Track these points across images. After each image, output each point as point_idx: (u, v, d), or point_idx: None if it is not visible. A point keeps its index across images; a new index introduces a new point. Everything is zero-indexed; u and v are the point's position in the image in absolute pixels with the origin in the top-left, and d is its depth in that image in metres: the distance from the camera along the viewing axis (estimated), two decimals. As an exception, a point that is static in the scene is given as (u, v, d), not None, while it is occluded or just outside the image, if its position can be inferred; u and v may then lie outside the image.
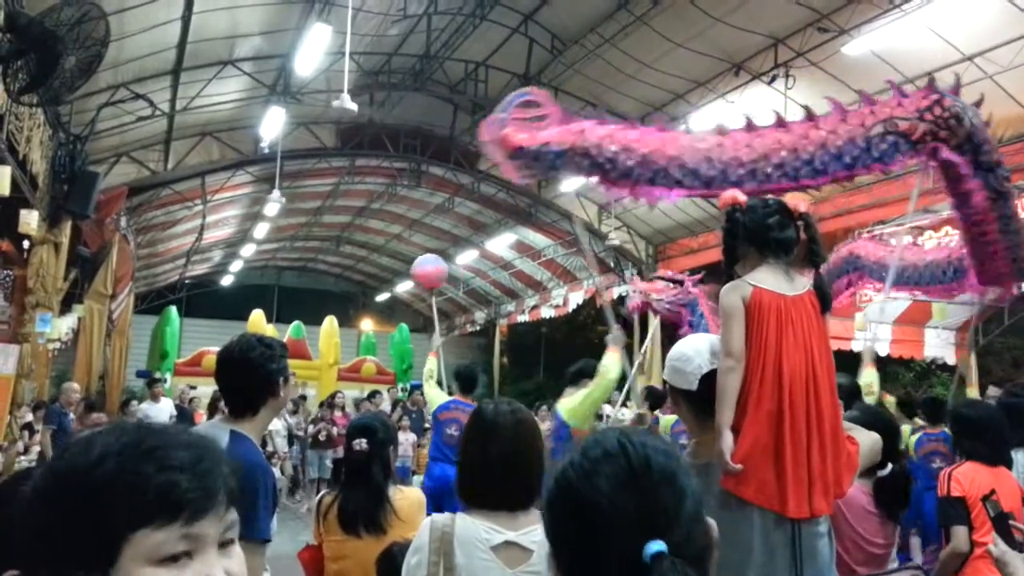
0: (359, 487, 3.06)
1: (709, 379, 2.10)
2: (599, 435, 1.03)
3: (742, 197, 2.37)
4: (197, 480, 0.84)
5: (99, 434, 0.85)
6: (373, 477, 3.07)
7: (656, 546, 0.92)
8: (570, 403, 5.55)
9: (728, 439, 2.02)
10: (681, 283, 7.07)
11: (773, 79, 11.34)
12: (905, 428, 6.39)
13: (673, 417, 8.26)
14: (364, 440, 3.09)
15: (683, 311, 6.90)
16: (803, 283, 2.27)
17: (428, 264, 8.72)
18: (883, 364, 11.66)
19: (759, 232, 2.28)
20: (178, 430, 0.89)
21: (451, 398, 6.81)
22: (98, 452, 0.82)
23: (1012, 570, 2.56)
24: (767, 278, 2.22)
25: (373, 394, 13.57)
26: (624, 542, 0.93)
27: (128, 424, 0.88)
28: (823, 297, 2.27)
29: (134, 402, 11.25)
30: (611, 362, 5.43)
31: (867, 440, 2.38)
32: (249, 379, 2.51)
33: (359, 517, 2.99)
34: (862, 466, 2.32)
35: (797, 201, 2.36)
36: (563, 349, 26.08)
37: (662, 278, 7.38)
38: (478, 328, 27.12)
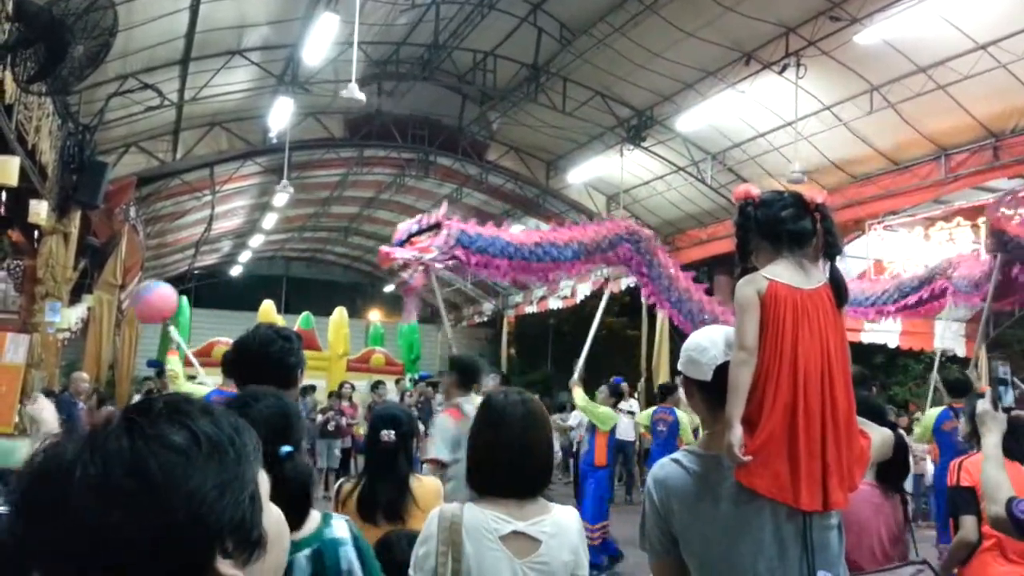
0: (385, 477, 3.08)
1: (724, 370, 2.10)
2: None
3: (755, 191, 2.35)
4: None
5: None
6: (400, 468, 3.10)
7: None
8: None
9: (738, 432, 2.01)
10: (439, 225, 6.11)
11: (784, 68, 11.26)
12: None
13: (648, 413, 8.38)
14: (392, 431, 3.11)
15: (460, 253, 6.17)
16: (819, 276, 2.25)
17: (153, 292, 7.07)
18: (893, 356, 11.62)
19: (772, 225, 2.26)
20: None
21: (214, 388, 6.13)
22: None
23: (986, 430, 2.74)
24: (783, 272, 2.20)
25: (377, 384, 13.61)
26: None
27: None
28: (839, 290, 2.26)
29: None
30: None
31: (878, 435, 2.38)
32: (269, 373, 2.51)
33: (381, 506, 3.01)
34: (873, 460, 2.32)
35: (814, 192, 2.34)
36: (571, 340, 26.07)
37: (415, 234, 6.28)
38: (486, 319, 27.13)
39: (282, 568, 0.90)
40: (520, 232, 6.76)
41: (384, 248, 6.23)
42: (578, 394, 7.20)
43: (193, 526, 0.75)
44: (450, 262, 6.24)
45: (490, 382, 6.80)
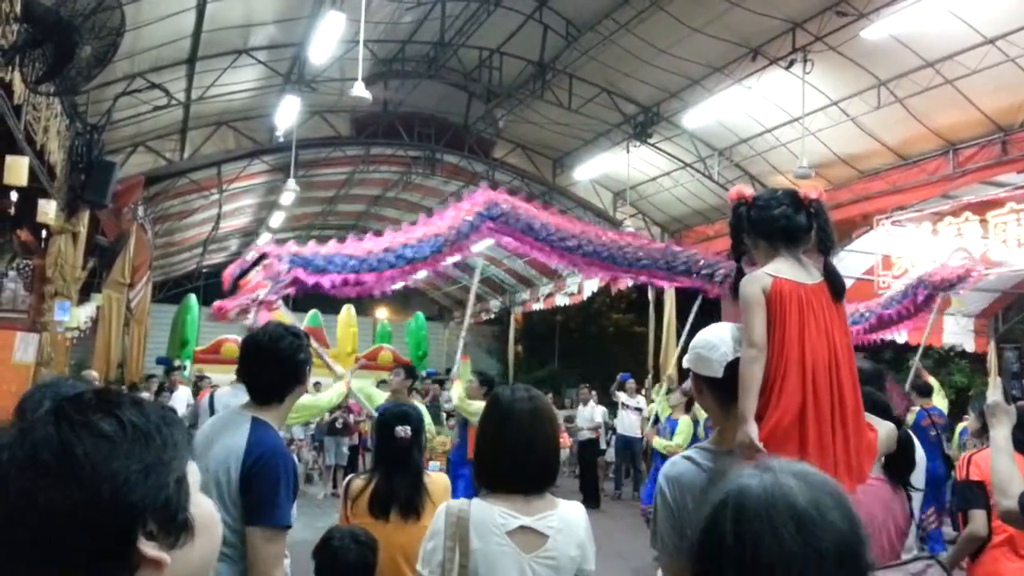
0: (399, 472, 3.11)
1: (734, 367, 2.10)
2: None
3: (748, 191, 2.37)
4: None
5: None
6: (414, 462, 3.14)
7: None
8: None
9: (752, 427, 2.02)
10: (264, 256, 6.05)
11: (791, 64, 11.22)
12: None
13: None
14: (408, 427, 3.14)
15: (300, 273, 6.04)
16: (818, 272, 2.27)
17: None
18: (902, 351, 11.56)
19: (766, 224, 2.29)
20: None
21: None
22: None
23: (996, 423, 2.75)
24: (785, 268, 2.23)
25: (381, 382, 13.63)
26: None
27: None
28: (835, 284, 2.27)
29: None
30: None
31: (883, 429, 2.41)
32: (279, 369, 2.53)
33: (395, 501, 3.03)
34: (880, 453, 2.34)
35: (809, 188, 2.35)
36: (577, 337, 26.07)
37: (239, 277, 6.22)
38: (493, 316, 27.13)
39: (214, 558, 0.92)
40: (368, 241, 6.60)
41: (217, 303, 6.09)
42: (457, 389, 7.00)
43: (115, 504, 0.80)
44: (290, 288, 6.13)
45: (394, 378, 6.77)
